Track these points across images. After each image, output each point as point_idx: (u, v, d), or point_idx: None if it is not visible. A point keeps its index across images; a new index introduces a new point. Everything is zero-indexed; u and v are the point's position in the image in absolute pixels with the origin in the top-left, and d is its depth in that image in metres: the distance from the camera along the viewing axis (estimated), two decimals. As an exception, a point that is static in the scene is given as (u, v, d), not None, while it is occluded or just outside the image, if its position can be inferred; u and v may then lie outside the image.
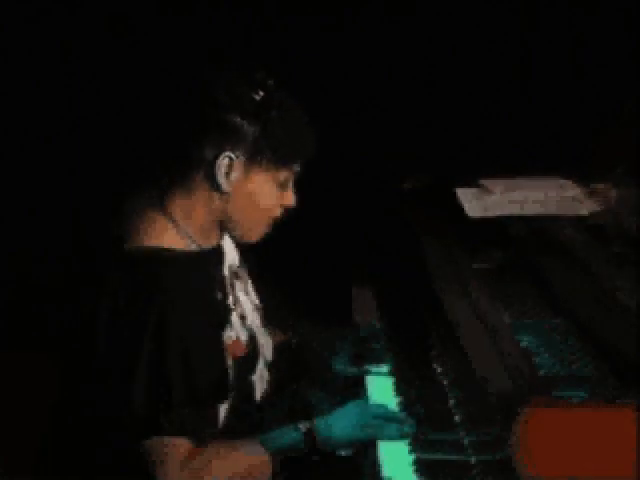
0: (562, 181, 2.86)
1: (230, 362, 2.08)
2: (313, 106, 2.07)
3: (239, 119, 1.99)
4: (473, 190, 2.88)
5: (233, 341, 2.10)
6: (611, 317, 2.02)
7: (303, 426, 2.04)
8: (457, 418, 2.05)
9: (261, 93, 2.02)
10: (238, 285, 2.21)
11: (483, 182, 2.90)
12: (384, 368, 2.38)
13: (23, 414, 2.48)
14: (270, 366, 2.26)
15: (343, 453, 2.07)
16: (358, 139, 3.41)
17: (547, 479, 1.66)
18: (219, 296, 2.11)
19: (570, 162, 2.94)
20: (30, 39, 3.37)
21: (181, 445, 1.95)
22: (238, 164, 2.02)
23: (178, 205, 2.05)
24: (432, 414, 2.09)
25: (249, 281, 2.29)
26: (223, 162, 2.01)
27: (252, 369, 2.16)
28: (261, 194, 2.06)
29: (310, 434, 2.02)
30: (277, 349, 2.33)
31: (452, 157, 3.28)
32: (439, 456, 1.95)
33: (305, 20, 3.35)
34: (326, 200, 3.41)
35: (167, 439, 1.94)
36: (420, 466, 1.91)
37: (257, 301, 2.29)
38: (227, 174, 2.01)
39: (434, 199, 2.90)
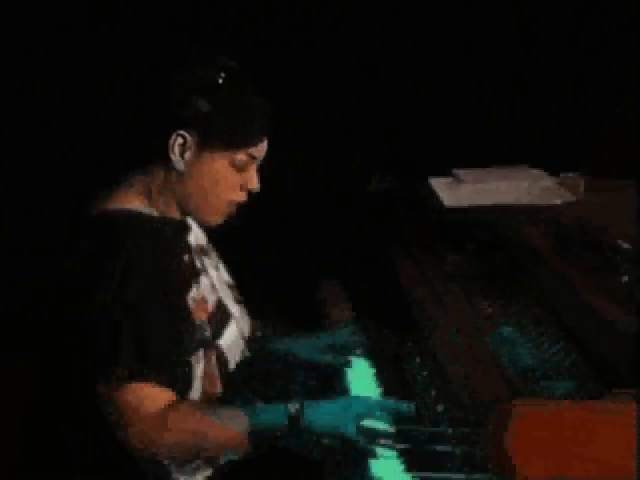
0: (534, 171, 2.91)
1: (202, 320, 2.09)
2: (288, 103, 2.08)
3: (194, 99, 2.02)
4: (446, 180, 2.93)
5: (198, 300, 2.10)
6: (594, 315, 2.01)
7: (292, 406, 1.95)
8: (439, 408, 2.00)
9: (222, 75, 2.04)
10: (207, 260, 2.23)
11: (456, 172, 2.94)
12: (363, 359, 2.37)
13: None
14: (248, 342, 2.27)
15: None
16: (325, 133, 3.41)
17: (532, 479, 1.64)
18: (185, 257, 2.13)
19: (540, 152, 2.98)
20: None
21: (161, 394, 1.94)
22: (192, 143, 2.04)
23: (140, 180, 2.10)
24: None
25: (220, 261, 2.31)
26: (177, 141, 2.04)
27: (220, 333, 2.15)
28: (217, 175, 2.07)
29: (297, 415, 1.93)
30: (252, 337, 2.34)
31: (425, 150, 3.31)
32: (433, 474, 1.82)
33: (273, 18, 3.35)
34: (296, 194, 3.42)
35: (147, 387, 1.92)
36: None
37: (229, 279, 2.31)
38: (181, 153, 2.05)
39: (401, 198, 2.93)
